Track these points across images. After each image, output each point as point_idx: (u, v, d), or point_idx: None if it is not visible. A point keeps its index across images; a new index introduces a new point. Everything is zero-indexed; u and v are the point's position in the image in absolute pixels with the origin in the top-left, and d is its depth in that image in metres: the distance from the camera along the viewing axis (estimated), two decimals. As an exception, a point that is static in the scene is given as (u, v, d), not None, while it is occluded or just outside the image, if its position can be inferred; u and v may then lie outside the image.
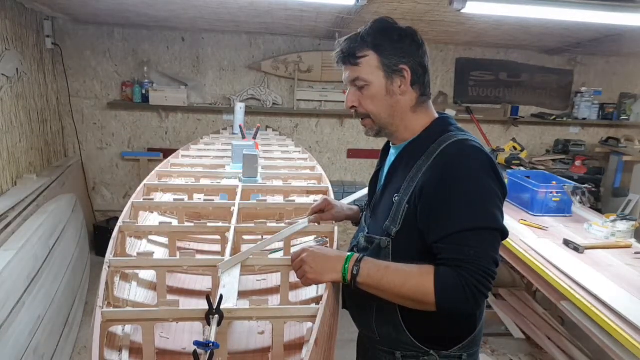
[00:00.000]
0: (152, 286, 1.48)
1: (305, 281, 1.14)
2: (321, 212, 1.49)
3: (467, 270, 1.00)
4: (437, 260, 1.05)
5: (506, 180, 3.08)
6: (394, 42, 1.16)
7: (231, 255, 1.36)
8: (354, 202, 1.63)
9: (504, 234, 1.07)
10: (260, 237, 1.87)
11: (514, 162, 4.19)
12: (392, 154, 1.28)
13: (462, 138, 1.13)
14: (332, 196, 2.04)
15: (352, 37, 1.19)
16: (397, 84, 1.17)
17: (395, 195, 1.16)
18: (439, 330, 1.17)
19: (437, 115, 1.24)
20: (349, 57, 1.18)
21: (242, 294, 1.23)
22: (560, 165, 4.70)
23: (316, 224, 1.50)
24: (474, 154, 1.09)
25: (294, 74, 4.41)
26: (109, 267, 1.29)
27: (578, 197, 2.83)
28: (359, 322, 1.32)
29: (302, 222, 1.46)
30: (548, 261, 2.16)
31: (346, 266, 1.10)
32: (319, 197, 1.63)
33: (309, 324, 1.15)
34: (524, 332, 3.05)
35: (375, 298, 1.13)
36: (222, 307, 1.05)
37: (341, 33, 3.93)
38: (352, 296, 1.30)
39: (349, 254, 1.13)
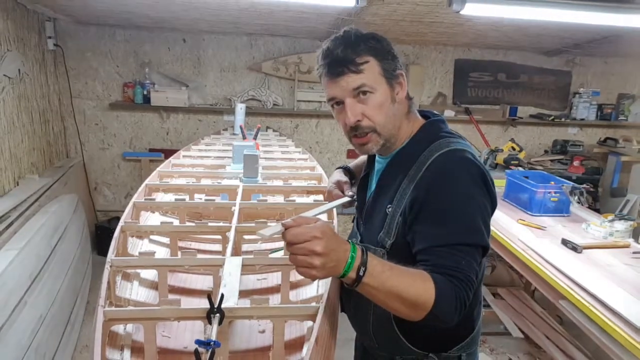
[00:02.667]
0: (153, 285, 1.49)
1: (306, 275, 0.91)
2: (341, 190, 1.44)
3: (458, 279, 0.96)
4: (423, 265, 0.99)
5: (504, 181, 3.10)
6: (385, 47, 1.09)
7: (232, 255, 1.38)
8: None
9: (486, 250, 1.05)
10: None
11: (512, 162, 4.20)
12: (380, 162, 1.23)
13: (453, 148, 1.07)
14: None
15: (341, 43, 1.06)
16: (396, 91, 1.11)
17: (389, 206, 1.11)
18: (436, 334, 1.14)
19: (422, 120, 1.18)
20: (349, 64, 1.04)
21: (242, 293, 1.24)
22: (559, 166, 4.70)
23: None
24: (465, 166, 1.05)
25: (294, 74, 4.42)
26: (110, 266, 1.31)
27: (576, 197, 2.85)
28: (357, 328, 1.32)
29: (344, 198, 1.40)
30: (546, 261, 2.17)
31: (351, 264, 0.91)
32: (334, 192, 1.46)
33: (310, 323, 1.16)
34: (522, 331, 3.06)
35: (371, 304, 1.09)
36: (223, 306, 1.06)
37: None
38: (349, 300, 1.29)
39: (351, 247, 0.93)
